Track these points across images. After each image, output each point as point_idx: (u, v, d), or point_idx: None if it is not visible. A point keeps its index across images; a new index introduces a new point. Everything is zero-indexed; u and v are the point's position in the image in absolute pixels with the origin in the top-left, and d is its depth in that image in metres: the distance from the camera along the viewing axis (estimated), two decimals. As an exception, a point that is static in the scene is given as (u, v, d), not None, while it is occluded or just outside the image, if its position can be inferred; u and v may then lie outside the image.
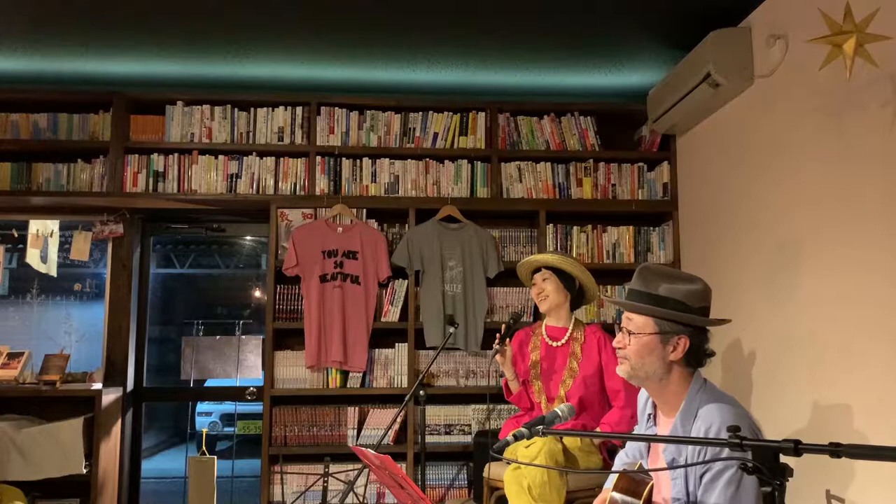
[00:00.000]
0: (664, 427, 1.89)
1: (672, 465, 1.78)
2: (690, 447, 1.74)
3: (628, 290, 1.92)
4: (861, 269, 2.31)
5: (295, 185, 3.83)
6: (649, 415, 1.97)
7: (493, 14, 3.07)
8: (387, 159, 3.88)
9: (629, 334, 1.85)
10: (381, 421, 3.68)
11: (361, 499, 3.54)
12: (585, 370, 2.98)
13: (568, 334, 3.07)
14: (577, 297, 3.13)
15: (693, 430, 1.75)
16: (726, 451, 1.48)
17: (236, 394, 4.09)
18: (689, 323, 1.80)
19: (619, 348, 1.88)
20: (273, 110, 3.87)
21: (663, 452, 1.85)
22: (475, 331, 3.77)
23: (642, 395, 2.03)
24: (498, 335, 3.04)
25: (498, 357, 3.05)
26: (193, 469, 3.73)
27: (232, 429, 8.59)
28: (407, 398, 3.27)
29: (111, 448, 3.68)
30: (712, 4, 2.97)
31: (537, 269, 3.13)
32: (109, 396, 3.64)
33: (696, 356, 1.84)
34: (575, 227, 3.92)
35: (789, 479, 1.19)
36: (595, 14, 3.07)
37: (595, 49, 3.43)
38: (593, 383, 2.98)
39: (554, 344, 3.07)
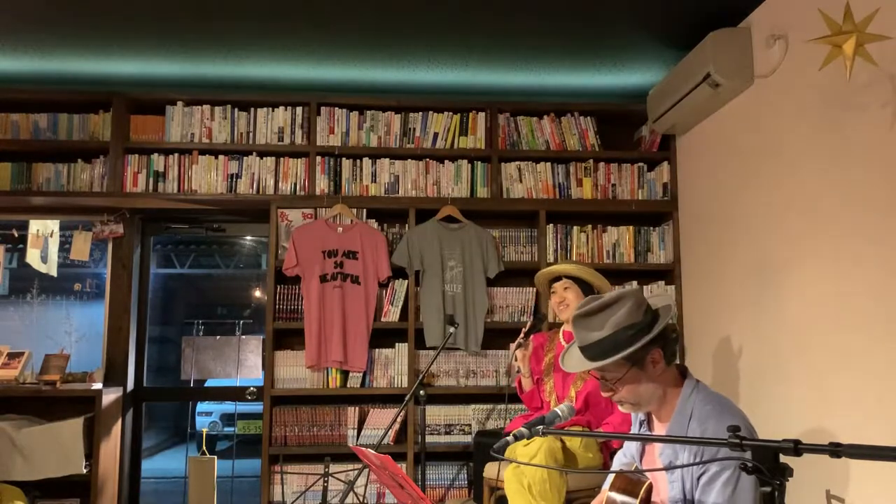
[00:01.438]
0: (659, 431, 1.88)
1: (669, 466, 1.78)
2: (687, 449, 1.74)
3: (580, 348, 1.84)
4: (861, 269, 2.31)
5: (295, 185, 3.83)
6: (642, 421, 1.97)
7: (493, 14, 3.07)
8: (387, 159, 3.88)
9: (612, 385, 1.80)
10: (381, 421, 3.68)
11: (361, 499, 3.54)
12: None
13: None
14: None
15: (689, 432, 1.74)
16: (724, 451, 1.47)
17: (236, 394, 4.09)
18: (649, 339, 1.76)
19: (610, 396, 1.83)
20: (273, 110, 3.87)
21: (660, 456, 1.84)
22: (475, 331, 3.77)
23: None
24: (523, 330, 3.09)
25: (519, 351, 3.08)
26: (193, 469, 3.73)
27: (232, 429, 8.60)
28: (407, 398, 3.28)
29: (111, 448, 3.68)
30: (712, 4, 2.97)
31: (556, 278, 3.14)
32: (109, 396, 3.65)
33: (671, 351, 1.82)
34: (575, 227, 3.92)
35: (789, 479, 1.19)
36: (595, 14, 3.07)
37: (595, 49, 3.43)
38: None
39: None
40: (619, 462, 2.15)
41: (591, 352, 1.81)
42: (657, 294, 1.88)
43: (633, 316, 1.77)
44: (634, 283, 3.90)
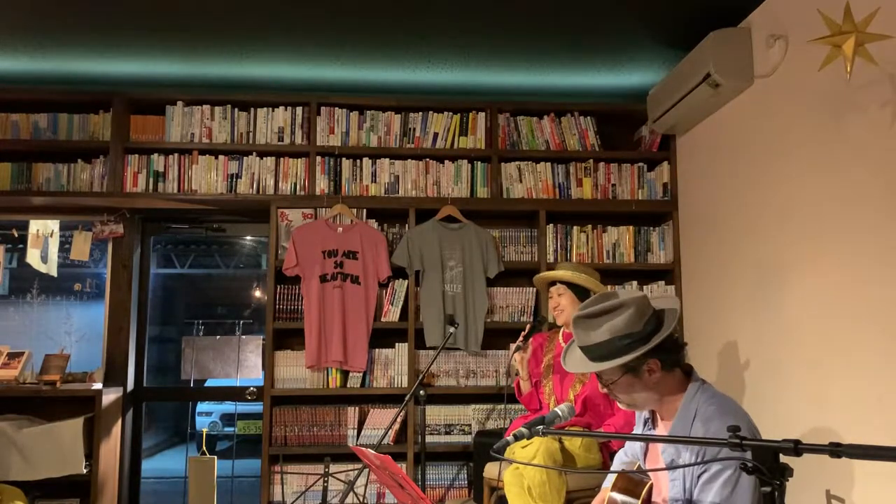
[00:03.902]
0: (663, 430, 1.88)
1: (670, 466, 1.78)
2: (689, 448, 1.74)
3: (580, 347, 1.87)
4: (861, 268, 2.31)
5: (295, 185, 3.83)
6: (647, 419, 1.97)
7: (493, 14, 3.07)
8: (387, 159, 3.88)
9: (608, 385, 1.83)
10: (381, 421, 3.68)
11: (361, 499, 3.54)
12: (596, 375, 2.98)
13: None
14: None
15: (692, 432, 1.74)
16: (725, 451, 1.47)
17: (236, 394, 4.09)
18: (644, 351, 1.75)
19: (607, 393, 1.86)
20: (273, 110, 3.87)
21: (662, 454, 1.84)
22: (475, 331, 3.77)
23: None
24: (523, 333, 3.08)
25: (517, 354, 3.07)
26: (193, 469, 3.73)
27: (232, 429, 8.60)
28: (407, 398, 3.28)
29: (111, 448, 3.68)
30: (712, 4, 2.97)
31: (553, 282, 3.14)
32: (109, 396, 3.65)
33: (672, 360, 1.81)
34: (575, 227, 3.92)
35: (789, 479, 1.19)
36: (595, 14, 3.07)
37: (595, 49, 3.43)
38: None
39: None
40: (619, 462, 2.15)
41: (589, 354, 1.84)
42: (661, 296, 1.85)
43: (632, 325, 1.77)
44: (634, 284, 3.91)
